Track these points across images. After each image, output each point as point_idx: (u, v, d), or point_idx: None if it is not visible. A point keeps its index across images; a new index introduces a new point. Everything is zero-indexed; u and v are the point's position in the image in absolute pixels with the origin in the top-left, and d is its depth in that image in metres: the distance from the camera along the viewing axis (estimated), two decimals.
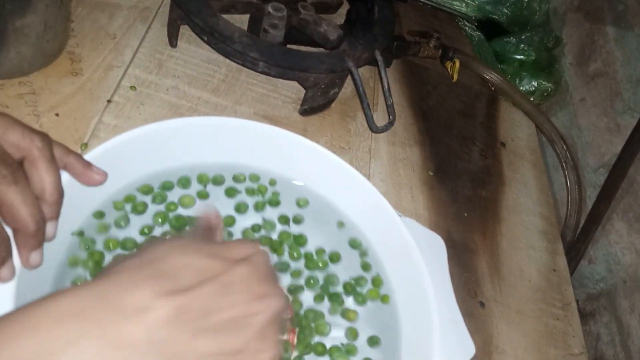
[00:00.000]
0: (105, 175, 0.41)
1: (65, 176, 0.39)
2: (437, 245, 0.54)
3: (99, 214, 0.45)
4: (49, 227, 0.37)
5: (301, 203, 0.53)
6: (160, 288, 0.28)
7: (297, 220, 0.52)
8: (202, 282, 0.29)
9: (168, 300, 0.27)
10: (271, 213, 0.52)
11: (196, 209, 0.48)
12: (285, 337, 0.44)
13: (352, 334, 0.47)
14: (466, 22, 0.95)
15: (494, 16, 0.93)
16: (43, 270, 0.39)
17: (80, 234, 0.44)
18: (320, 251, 0.51)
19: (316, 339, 0.46)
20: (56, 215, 0.37)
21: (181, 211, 0.49)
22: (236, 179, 0.52)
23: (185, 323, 0.28)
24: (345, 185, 0.53)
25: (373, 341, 0.47)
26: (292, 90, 0.69)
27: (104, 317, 0.26)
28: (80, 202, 0.43)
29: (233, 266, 0.31)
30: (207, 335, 0.28)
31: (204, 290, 0.29)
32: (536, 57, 0.90)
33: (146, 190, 0.48)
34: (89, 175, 0.40)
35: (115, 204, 0.46)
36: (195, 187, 0.50)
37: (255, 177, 0.53)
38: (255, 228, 0.50)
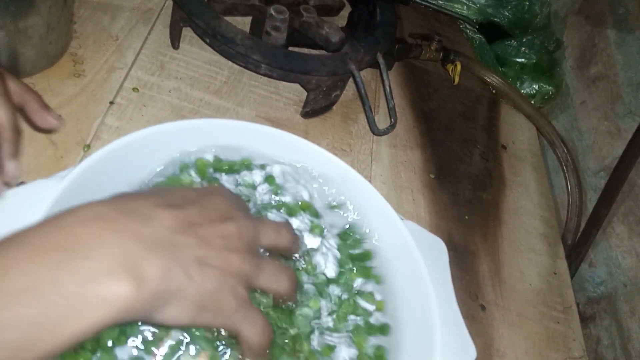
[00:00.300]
0: (59, 124, 0.43)
1: (65, 182, 0.39)
2: (438, 248, 0.54)
3: None
4: (10, 166, 0.39)
5: (302, 205, 0.53)
6: (159, 202, 0.33)
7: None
8: (186, 203, 0.34)
9: (167, 211, 0.32)
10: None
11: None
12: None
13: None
14: (467, 25, 0.95)
15: (495, 19, 0.93)
16: None
17: None
18: None
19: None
20: (15, 154, 0.39)
21: None
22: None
23: (181, 229, 0.32)
24: (346, 188, 0.53)
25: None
26: (294, 93, 0.70)
27: (120, 220, 0.31)
28: None
29: (206, 194, 0.37)
30: (195, 242, 0.33)
31: (188, 208, 0.34)
32: (537, 60, 0.90)
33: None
34: (45, 117, 0.42)
35: None
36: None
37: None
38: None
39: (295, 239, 0.41)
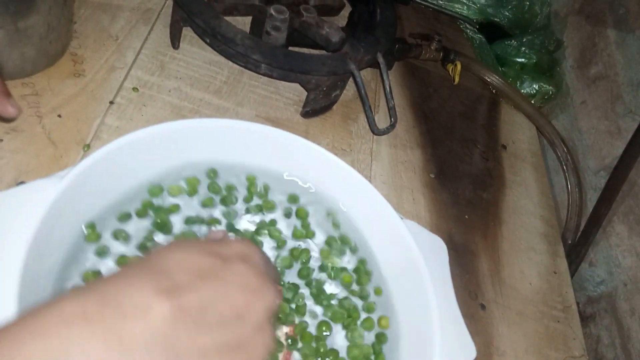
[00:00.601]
0: (17, 113, 0.43)
1: (65, 182, 0.39)
2: (438, 248, 0.54)
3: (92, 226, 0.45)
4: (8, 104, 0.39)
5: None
6: (158, 286, 0.28)
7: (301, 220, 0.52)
8: (198, 279, 0.30)
9: (167, 299, 0.28)
10: (273, 215, 0.52)
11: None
12: (285, 330, 0.44)
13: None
14: (467, 25, 0.95)
15: (495, 19, 0.93)
16: (44, 271, 0.39)
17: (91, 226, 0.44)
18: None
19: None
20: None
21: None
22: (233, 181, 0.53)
23: (185, 320, 0.28)
24: (346, 188, 0.53)
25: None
26: (294, 93, 0.70)
27: (107, 318, 0.27)
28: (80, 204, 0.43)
29: (227, 262, 0.32)
30: (206, 331, 0.29)
31: (200, 287, 0.29)
32: (537, 60, 0.90)
33: (154, 191, 0.48)
34: (5, 104, 0.42)
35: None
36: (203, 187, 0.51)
37: (252, 179, 0.53)
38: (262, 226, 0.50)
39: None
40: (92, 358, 0.26)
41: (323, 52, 0.69)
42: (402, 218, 0.51)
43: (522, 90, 0.89)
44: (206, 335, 0.29)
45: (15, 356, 0.25)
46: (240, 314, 0.30)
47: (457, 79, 0.84)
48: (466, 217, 0.69)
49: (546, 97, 0.90)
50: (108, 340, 0.26)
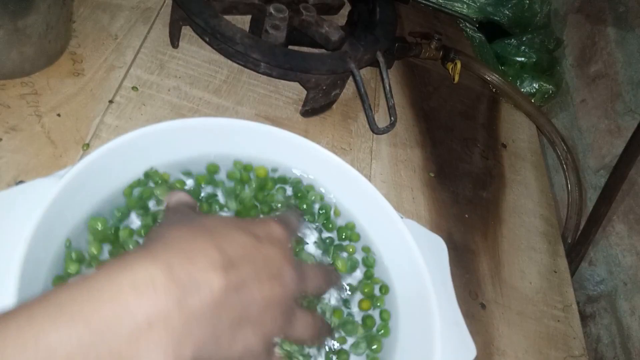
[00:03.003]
0: None
1: (64, 181, 0.39)
2: (438, 247, 0.54)
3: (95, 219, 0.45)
4: None
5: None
6: (214, 262, 0.31)
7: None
8: (243, 258, 0.32)
9: (219, 276, 0.31)
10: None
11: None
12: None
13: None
14: (467, 24, 0.95)
15: (495, 18, 0.93)
16: (44, 270, 0.39)
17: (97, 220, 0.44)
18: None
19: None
20: None
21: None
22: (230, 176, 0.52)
23: (231, 297, 0.31)
24: (346, 187, 0.53)
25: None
26: (293, 92, 0.70)
27: (169, 289, 0.28)
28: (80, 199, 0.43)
29: (265, 243, 0.35)
30: (238, 309, 0.31)
31: (243, 266, 0.32)
32: (537, 59, 0.90)
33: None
34: None
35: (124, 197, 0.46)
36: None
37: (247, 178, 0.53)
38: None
39: (337, 280, 0.42)
40: (155, 326, 0.27)
41: (323, 50, 0.69)
42: (402, 217, 0.51)
43: (522, 89, 0.89)
44: (237, 311, 0.31)
45: (90, 316, 0.26)
46: (274, 275, 0.34)
47: (457, 78, 0.84)
48: (466, 216, 0.69)
49: (546, 95, 0.90)
50: (169, 310, 0.28)
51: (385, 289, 0.50)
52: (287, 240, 0.37)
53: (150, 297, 0.28)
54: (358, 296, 0.49)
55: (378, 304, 0.49)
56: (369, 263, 0.51)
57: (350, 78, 0.70)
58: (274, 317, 0.34)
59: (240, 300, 0.31)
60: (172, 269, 0.29)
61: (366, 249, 0.51)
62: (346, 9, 0.79)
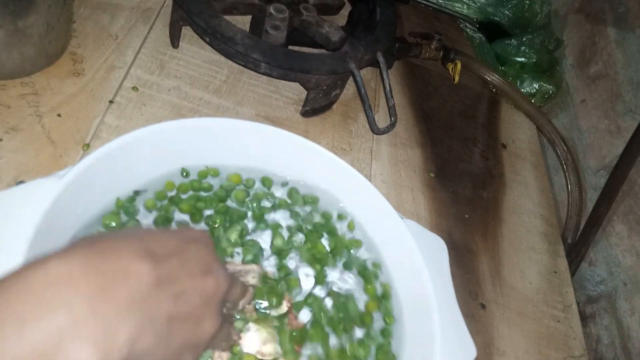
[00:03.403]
0: None
1: (64, 181, 0.39)
2: (438, 247, 0.54)
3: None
4: None
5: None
6: (138, 253, 0.31)
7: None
8: (168, 255, 0.33)
9: (145, 265, 0.31)
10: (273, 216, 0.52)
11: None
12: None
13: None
14: (467, 24, 0.95)
15: (495, 18, 0.93)
16: None
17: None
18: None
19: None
20: None
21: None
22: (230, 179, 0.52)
23: (161, 287, 0.31)
24: (346, 187, 0.53)
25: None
26: (293, 92, 0.70)
27: (93, 281, 0.28)
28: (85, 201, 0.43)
29: (189, 243, 0.36)
30: (173, 299, 0.32)
31: (170, 260, 0.33)
32: (537, 59, 0.90)
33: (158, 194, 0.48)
34: None
35: (118, 202, 0.46)
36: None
37: (251, 180, 0.53)
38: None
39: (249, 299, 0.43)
40: (78, 318, 0.27)
41: (323, 51, 0.69)
42: (402, 217, 0.51)
43: (522, 90, 0.89)
44: (172, 303, 0.32)
45: (2, 320, 0.26)
46: (204, 270, 0.35)
47: (457, 78, 0.84)
48: (466, 216, 0.69)
49: (546, 96, 0.90)
50: (96, 300, 0.28)
51: (386, 290, 0.50)
52: (211, 244, 0.38)
53: (69, 290, 0.27)
54: (362, 296, 0.49)
55: (381, 306, 0.49)
56: (369, 272, 0.51)
57: (351, 78, 0.70)
58: (210, 315, 0.35)
59: (174, 291, 0.32)
60: (92, 261, 0.29)
61: (370, 252, 0.52)
62: (346, 9, 0.79)
